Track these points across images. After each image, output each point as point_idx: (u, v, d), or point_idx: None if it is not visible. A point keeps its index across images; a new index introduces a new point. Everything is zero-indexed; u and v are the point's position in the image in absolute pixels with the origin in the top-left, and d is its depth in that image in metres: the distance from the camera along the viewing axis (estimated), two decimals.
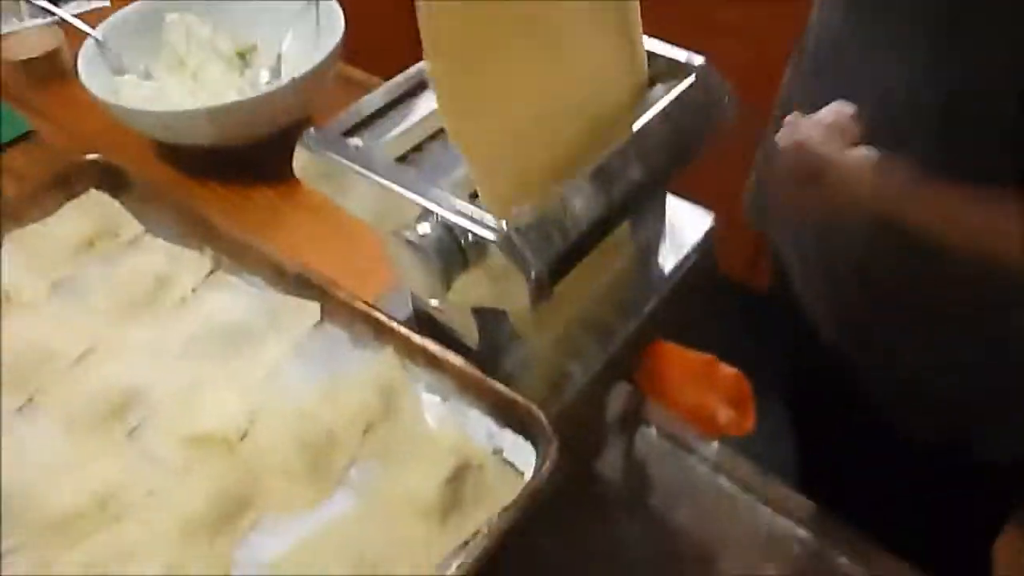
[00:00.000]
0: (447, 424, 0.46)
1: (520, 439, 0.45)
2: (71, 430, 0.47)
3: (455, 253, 0.40)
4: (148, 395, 0.49)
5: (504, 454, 0.45)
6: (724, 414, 0.78)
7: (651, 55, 0.50)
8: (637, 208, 0.46)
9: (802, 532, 0.62)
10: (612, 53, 0.47)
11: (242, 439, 0.46)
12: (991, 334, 0.62)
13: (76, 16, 0.73)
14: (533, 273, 0.39)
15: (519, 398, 0.45)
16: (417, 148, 0.48)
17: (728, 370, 0.92)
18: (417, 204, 0.42)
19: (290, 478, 0.44)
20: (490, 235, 0.40)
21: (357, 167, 0.44)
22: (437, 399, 0.48)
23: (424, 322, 0.50)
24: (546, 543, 0.59)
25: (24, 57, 0.78)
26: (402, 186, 0.43)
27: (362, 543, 0.41)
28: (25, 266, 0.56)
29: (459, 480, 0.43)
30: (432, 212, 0.41)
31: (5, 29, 0.81)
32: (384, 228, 0.43)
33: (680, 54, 0.50)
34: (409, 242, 0.40)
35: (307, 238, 0.60)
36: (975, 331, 0.62)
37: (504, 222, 0.40)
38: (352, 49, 0.66)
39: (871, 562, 0.59)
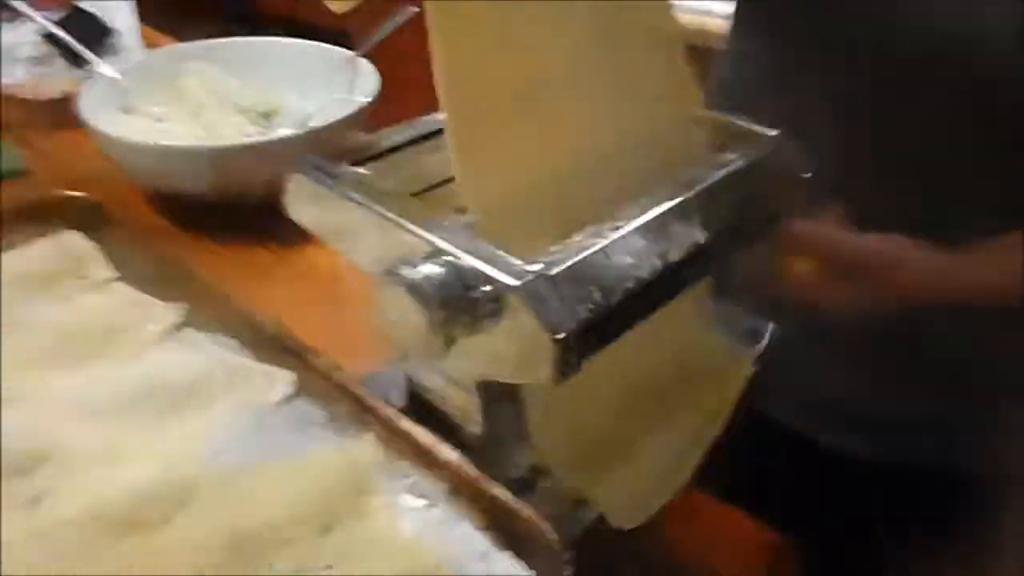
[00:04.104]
0: (428, 536, 0.35)
1: (522, 567, 0.34)
2: None
3: (461, 300, 0.31)
4: (63, 455, 0.39)
5: None
6: None
7: (723, 124, 0.43)
8: (695, 278, 0.36)
9: None
10: (653, 109, 0.40)
11: (154, 522, 0.36)
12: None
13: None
14: (561, 332, 0.30)
15: (523, 509, 0.34)
16: (434, 187, 0.40)
17: (769, 537, 0.79)
18: (421, 239, 0.33)
19: None
20: (509, 279, 0.31)
21: (355, 195, 0.36)
22: (421, 503, 0.37)
23: (419, 406, 0.40)
24: None
25: (39, 98, 0.73)
26: (405, 219, 0.34)
27: None
28: None
29: None
30: (438, 250, 0.33)
31: (37, 71, 0.77)
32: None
33: (753, 124, 0.43)
34: (405, 280, 0.31)
35: (300, 305, 0.51)
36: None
37: (529, 267, 0.31)
38: (391, 118, 0.59)
39: None
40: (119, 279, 0.51)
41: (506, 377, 0.33)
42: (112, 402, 0.42)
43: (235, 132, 0.63)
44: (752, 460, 0.78)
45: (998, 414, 0.66)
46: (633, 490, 0.40)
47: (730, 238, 0.37)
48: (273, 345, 0.45)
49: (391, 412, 0.39)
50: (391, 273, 0.32)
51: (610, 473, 0.39)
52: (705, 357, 0.44)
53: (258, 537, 0.35)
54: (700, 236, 0.35)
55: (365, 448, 0.39)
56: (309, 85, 0.68)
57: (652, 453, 0.41)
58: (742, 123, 0.43)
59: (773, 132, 0.42)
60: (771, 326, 0.47)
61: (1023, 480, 0.72)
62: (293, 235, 0.57)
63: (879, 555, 0.74)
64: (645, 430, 0.41)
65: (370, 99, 0.61)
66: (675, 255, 0.34)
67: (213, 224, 0.59)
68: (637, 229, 0.34)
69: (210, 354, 0.45)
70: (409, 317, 0.32)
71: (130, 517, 0.36)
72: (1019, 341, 0.61)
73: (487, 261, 0.32)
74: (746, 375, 0.45)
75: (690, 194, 0.36)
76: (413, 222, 0.34)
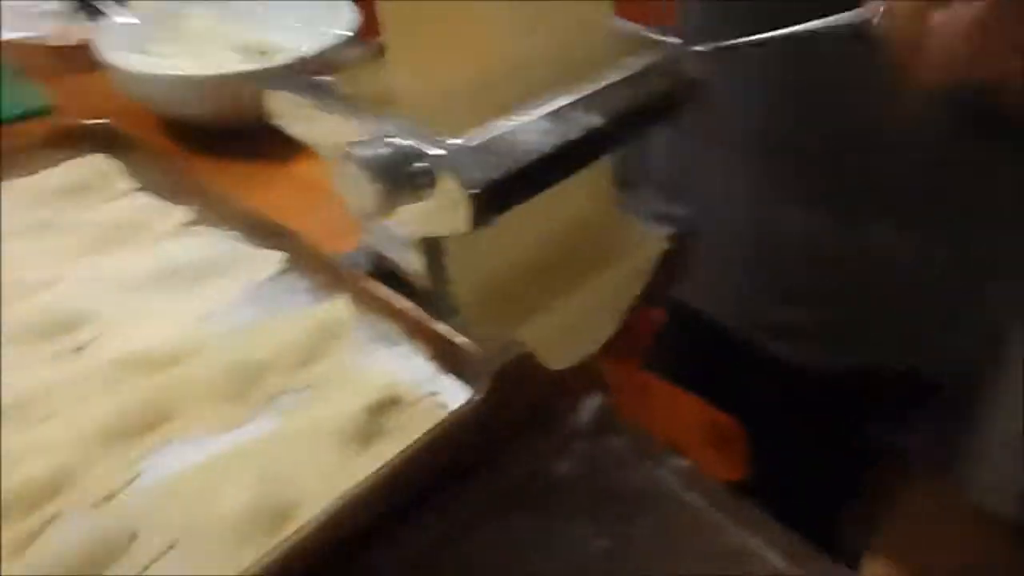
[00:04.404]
0: (388, 366, 0.45)
1: (461, 386, 0.44)
2: (11, 343, 0.47)
3: (400, 173, 0.40)
4: (97, 319, 0.49)
5: (440, 398, 0.43)
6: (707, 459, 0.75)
7: (632, 32, 0.51)
8: (592, 156, 0.45)
9: (769, 554, 0.57)
10: (570, 21, 0.48)
11: (174, 362, 0.45)
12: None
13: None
14: (475, 188, 0.39)
15: (460, 339, 0.44)
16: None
17: (718, 417, 0.88)
18: (371, 127, 0.42)
19: (213, 400, 0.43)
20: (437, 151, 0.40)
21: (320, 99, 0.45)
22: (383, 344, 0.47)
23: (382, 272, 0.50)
24: (494, 543, 0.57)
25: (63, 46, 0.83)
26: (359, 113, 0.43)
27: (272, 463, 0.39)
28: (12, 200, 0.58)
29: (384, 411, 0.42)
30: (384, 134, 0.41)
31: (60, 24, 0.86)
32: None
33: (658, 33, 0.51)
34: (356, 158, 0.40)
35: (291, 206, 0.61)
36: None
37: (453, 142, 0.40)
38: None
39: None
40: (139, 189, 0.61)
41: (438, 232, 0.42)
42: (137, 280, 0.51)
43: (234, 66, 0.72)
44: (705, 357, 0.86)
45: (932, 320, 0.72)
46: (552, 338, 0.49)
47: (625, 125, 0.46)
48: (267, 233, 0.54)
49: (360, 277, 0.49)
50: (348, 155, 0.41)
51: (528, 323, 0.48)
52: (616, 232, 0.53)
53: (251, 369, 0.44)
54: (596, 122, 0.44)
55: (339, 306, 0.48)
56: (301, 24, 0.77)
57: (568, 310, 0.50)
58: (648, 32, 0.51)
59: (674, 40, 0.50)
60: (682, 211, 0.56)
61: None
62: (286, 152, 0.66)
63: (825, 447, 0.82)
64: (560, 290, 0.50)
65: (351, 32, 0.69)
66: (573, 135, 0.43)
67: (216, 145, 0.68)
68: (543, 116, 0.43)
69: (216, 242, 0.55)
70: (361, 188, 0.41)
71: (151, 360, 0.45)
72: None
73: (421, 140, 0.41)
74: (658, 249, 0.54)
75: (591, 89, 0.45)
76: (365, 115, 0.43)
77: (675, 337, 0.85)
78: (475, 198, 0.39)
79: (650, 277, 0.55)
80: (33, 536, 0.36)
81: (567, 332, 0.51)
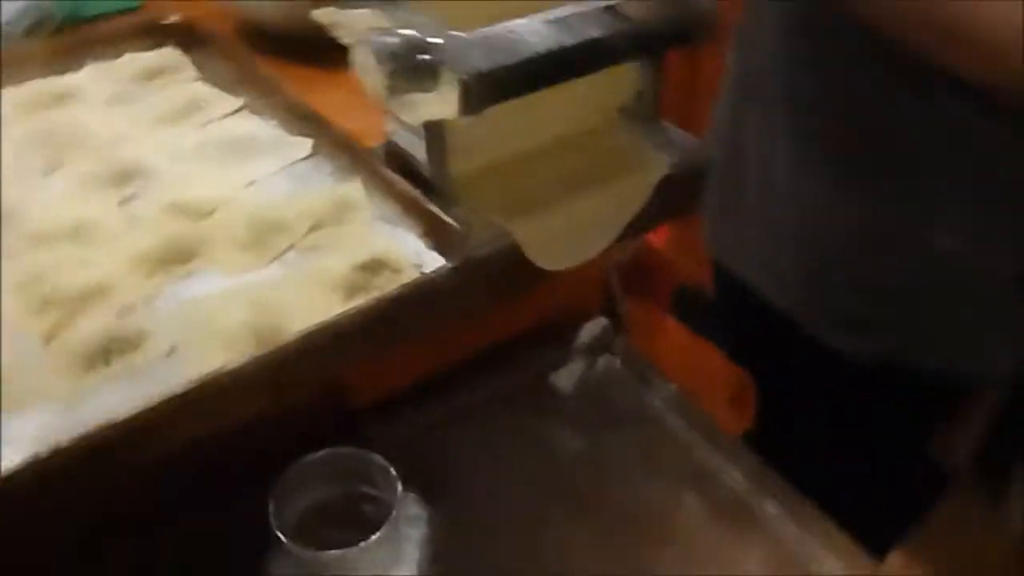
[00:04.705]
0: (384, 238, 0.50)
1: (444, 263, 0.49)
2: (79, 186, 0.54)
3: (405, 61, 0.45)
4: (150, 175, 0.56)
5: (422, 269, 0.48)
6: (718, 409, 0.78)
7: None
8: (589, 66, 0.49)
9: (735, 473, 0.61)
10: None
11: (207, 215, 0.52)
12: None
13: None
14: (467, 75, 0.43)
15: (447, 219, 0.48)
16: None
17: (730, 367, 0.90)
18: (388, 22, 0.47)
19: (233, 248, 0.49)
20: (437, 40, 0.44)
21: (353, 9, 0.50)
22: (385, 225, 0.52)
23: (396, 159, 0.55)
24: (477, 435, 0.62)
25: None
26: (381, 9, 0.48)
27: (270, 300, 0.45)
28: (95, 78, 0.66)
29: (372, 271, 0.47)
30: (396, 28, 0.46)
31: None
32: None
33: None
34: (368, 45, 0.45)
35: (337, 106, 0.66)
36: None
37: (455, 35, 0.44)
38: None
39: (797, 513, 0.58)
40: (202, 79, 0.67)
41: (434, 116, 0.47)
42: (188, 150, 0.58)
43: None
44: (737, 321, 0.87)
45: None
46: (549, 237, 0.54)
47: (624, 42, 0.49)
48: (302, 121, 0.60)
49: (374, 163, 0.54)
50: (361, 42, 0.46)
51: (524, 220, 0.52)
52: (619, 151, 0.57)
53: (269, 228, 0.51)
54: (596, 33, 0.48)
55: (353, 186, 0.54)
56: None
57: (563, 215, 0.54)
58: None
59: None
60: (690, 142, 0.59)
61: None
62: (341, 61, 0.72)
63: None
64: (557, 196, 0.54)
65: None
66: (570, 42, 0.47)
67: (282, 50, 0.74)
68: (545, 21, 0.47)
69: (259, 127, 0.61)
70: (371, 73, 0.46)
71: (189, 210, 0.52)
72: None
73: (428, 33, 0.45)
74: (662, 172, 0.57)
75: (597, 5, 0.49)
76: (386, 12, 0.48)
77: (713, 298, 0.86)
78: (465, 85, 0.43)
79: (649, 200, 0.58)
80: (62, 327, 0.43)
81: (561, 236, 0.55)
